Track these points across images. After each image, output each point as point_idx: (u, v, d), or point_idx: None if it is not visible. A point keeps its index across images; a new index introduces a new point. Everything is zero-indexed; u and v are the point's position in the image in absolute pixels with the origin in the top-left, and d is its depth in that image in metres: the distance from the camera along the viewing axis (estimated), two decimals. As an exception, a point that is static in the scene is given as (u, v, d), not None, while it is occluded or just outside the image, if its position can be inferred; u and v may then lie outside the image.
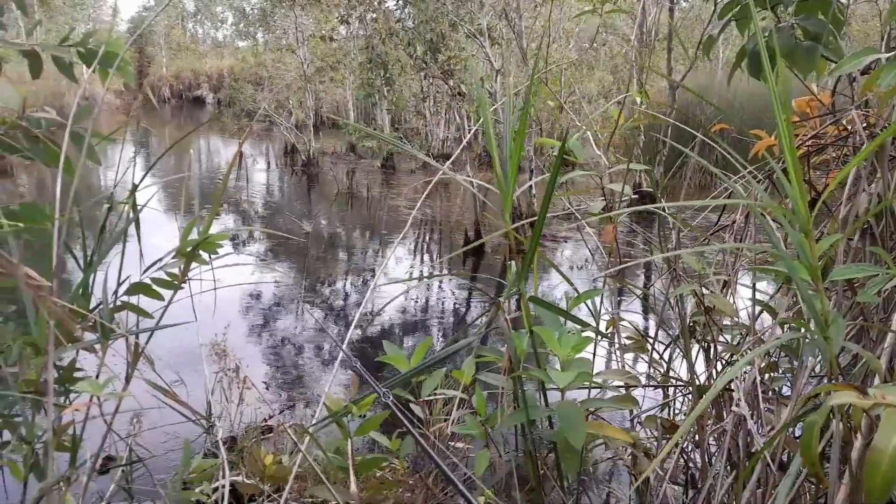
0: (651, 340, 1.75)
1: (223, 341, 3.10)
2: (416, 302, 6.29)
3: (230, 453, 2.73)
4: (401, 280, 5.88)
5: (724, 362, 1.57)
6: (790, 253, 1.08)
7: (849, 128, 1.87)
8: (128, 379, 1.54)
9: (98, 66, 1.51)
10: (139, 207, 1.68)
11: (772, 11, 2.08)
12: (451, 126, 14.28)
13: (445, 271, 7.68)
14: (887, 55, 1.29)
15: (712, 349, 1.62)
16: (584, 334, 1.35)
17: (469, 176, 8.91)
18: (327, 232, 9.36)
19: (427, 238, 9.28)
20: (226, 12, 36.11)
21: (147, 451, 2.77)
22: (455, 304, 6.42)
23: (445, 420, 1.88)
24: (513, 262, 1.37)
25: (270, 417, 3.40)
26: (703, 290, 1.51)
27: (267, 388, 3.70)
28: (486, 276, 6.37)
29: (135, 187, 1.57)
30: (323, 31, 14.37)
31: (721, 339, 1.70)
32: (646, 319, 4.12)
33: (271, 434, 3.16)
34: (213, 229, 1.71)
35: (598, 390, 1.39)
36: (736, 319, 1.52)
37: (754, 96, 11.18)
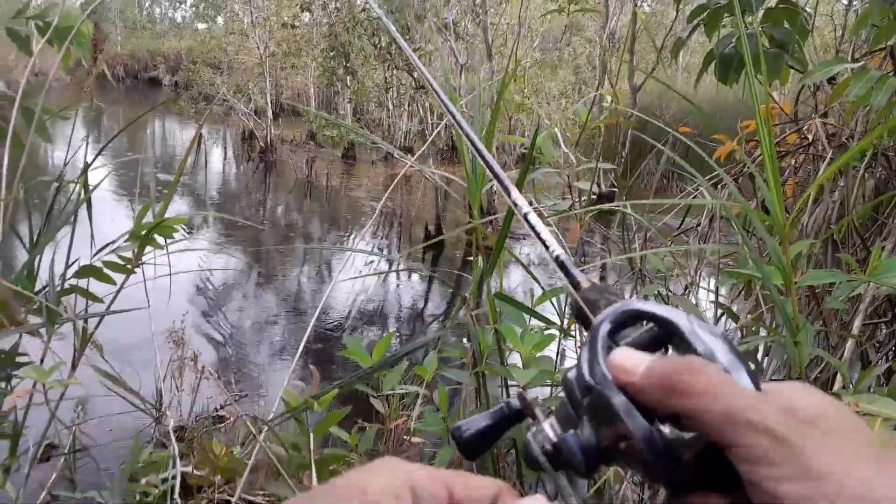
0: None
1: (177, 329, 3.01)
2: (375, 295, 6.24)
3: (179, 444, 2.65)
4: (363, 276, 5.83)
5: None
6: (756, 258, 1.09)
7: (809, 137, 1.91)
8: (74, 365, 1.48)
9: (55, 40, 1.43)
10: (91, 188, 1.61)
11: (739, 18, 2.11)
12: (413, 118, 14.21)
13: (404, 265, 7.64)
14: (854, 66, 1.31)
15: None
16: (546, 332, 1.34)
17: (431, 170, 8.89)
18: (284, 222, 9.22)
19: (387, 231, 9.22)
20: (184, -8, 35.19)
21: (91, 441, 2.68)
22: (413, 298, 6.39)
23: (405, 416, 1.86)
24: (479, 258, 1.36)
25: (222, 407, 3.33)
26: (666, 291, 1.51)
27: (219, 378, 3.62)
28: (450, 271, 6.36)
29: (87, 166, 1.50)
30: (284, 18, 14.13)
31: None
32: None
33: (222, 425, 3.09)
34: (167, 214, 1.65)
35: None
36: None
37: (708, 102, 11.41)
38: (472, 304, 1.32)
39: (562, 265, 0.46)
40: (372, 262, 6.55)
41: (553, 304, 1.38)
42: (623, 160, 4.17)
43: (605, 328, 0.38)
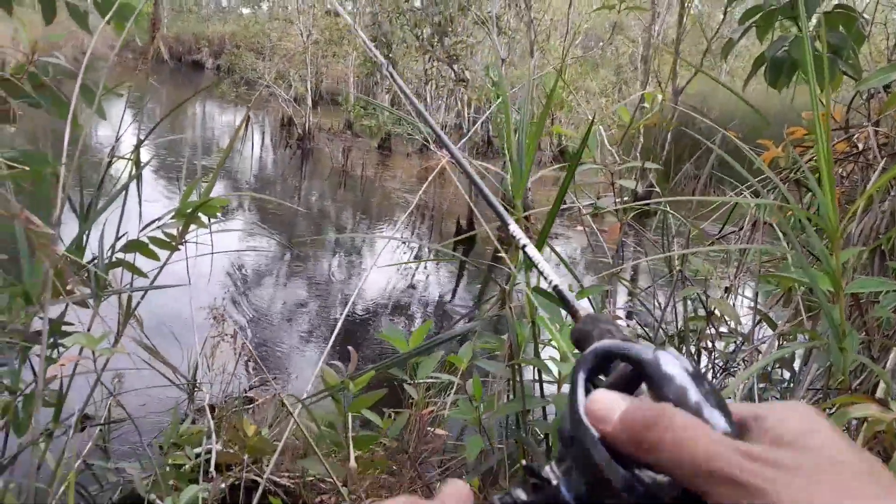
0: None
1: (217, 307, 3.07)
2: (404, 285, 6.27)
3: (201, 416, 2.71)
4: (397, 264, 5.86)
5: (718, 368, 1.57)
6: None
7: (859, 146, 1.87)
8: (118, 336, 1.52)
9: (114, 19, 1.47)
10: (141, 164, 1.65)
11: (794, 21, 2.07)
12: (451, 112, 14.21)
13: (432, 250, 7.66)
14: (913, 74, 1.28)
15: (707, 354, 1.62)
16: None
17: (468, 163, 8.85)
18: (318, 208, 9.30)
19: (419, 224, 9.25)
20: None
21: (125, 413, 2.75)
22: (442, 290, 6.41)
23: (433, 404, 1.87)
24: (521, 252, 1.36)
25: (251, 388, 3.38)
26: (706, 295, 1.50)
27: (253, 359, 3.68)
28: (482, 263, 6.36)
29: (139, 143, 1.54)
30: (328, 5, 14.23)
31: (709, 344, 1.70)
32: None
33: (251, 405, 3.14)
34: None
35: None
36: (734, 326, 1.52)
37: (756, 107, 11.18)
38: (510, 296, 1.32)
39: (559, 294, 0.48)
40: (404, 251, 6.59)
41: (590, 301, 1.38)
42: (662, 161, 4.13)
43: (584, 370, 0.38)
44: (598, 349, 0.39)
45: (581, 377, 0.38)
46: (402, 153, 13.48)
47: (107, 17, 1.38)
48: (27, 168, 1.18)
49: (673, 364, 0.35)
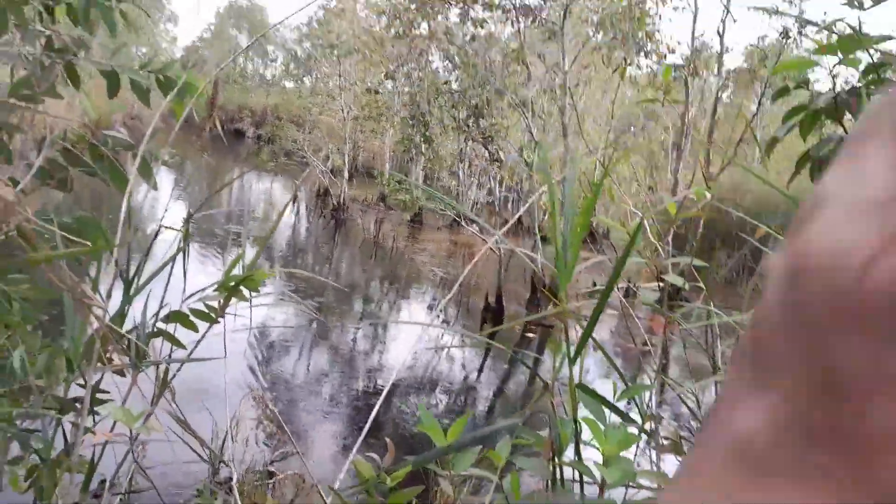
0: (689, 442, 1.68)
1: (246, 377, 3.06)
2: (432, 360, 6.20)
3: (229, 494, 2.64)
4: (428, 347, 5.82)
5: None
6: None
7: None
8: (153, 406, 1.50)
9: (175, 95, 1.53)
10: (189, 237, 1.68)
11: (839, 123, 2.08)
12: (482, 189, 14.42)
13: (460, 333, 7.60)
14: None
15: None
16: (628, 430, 1.29)
17: (497, 241, 8.92)
18: (348, 279, 9.36)
19: (446, 296, 9.23)
20: (277, 52, 37.35)
21: (146, 482, 2.70)
22: (469, 367, 6.32)
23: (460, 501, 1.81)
24: (563, 343, 1.33)
25: (272, 463, 3.32)
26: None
27: (270, 437, 3.63)
28: (529, 352, 6.29)
29: (189, 216, 1.57)
30: (368, 84, 14.74)
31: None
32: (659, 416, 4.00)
33: (271, 480, 3.07)
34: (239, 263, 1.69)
35: (636, 491, 1.33)
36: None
37: (789, 199, 11.15)
38: (551, 391, 1.28)
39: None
40: (432, 326, 6.55)
41: (635, 402, 1.34)
42: (692, 251, 4.09)
43: None
44: None
45: None
46: (433, 226, 13.63)
47: (169, 97, 1.43)
48: (87, 243, 1.20)
49: None
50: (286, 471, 3.02)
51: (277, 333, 6.06)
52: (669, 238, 7.90)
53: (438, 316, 8.07)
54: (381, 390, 5.05)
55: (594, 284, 6.39)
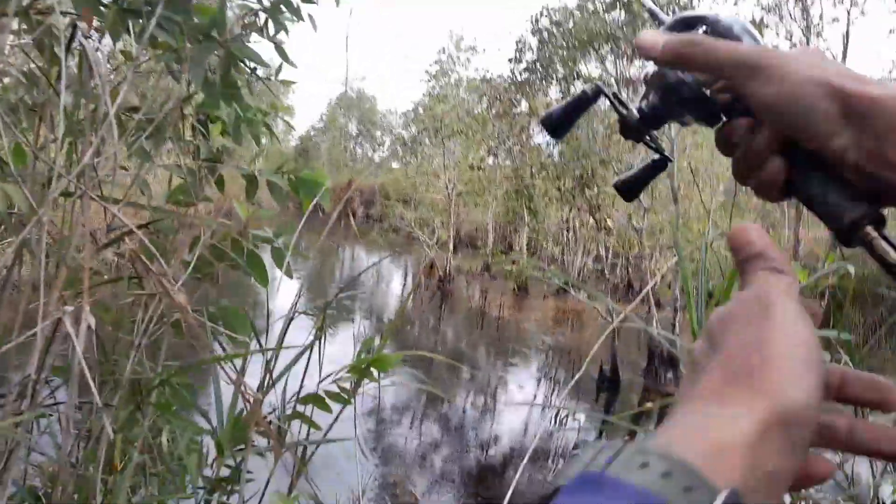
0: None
1: (397, 474, 3.11)
2: (543, 431, 6.08)
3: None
4: (538, 435, 5.74)
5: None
6: None
7: None
8: (290, 489, 1.58)
9: (303, 194, 1.68)
10: (326, 322, 1.78)
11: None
12: (589, 255, 14.26)
13: (572, 402, 7.41)
14: None
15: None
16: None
17: (608, 307, 8.74)
18: (454, 348, 9.40)
19: (556, 365, 9.08)
20: (384, 136, 39.35)
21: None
22: (582, 439, 6.12)
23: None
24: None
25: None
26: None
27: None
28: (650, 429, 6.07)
29: (326, 304, 1.68)
30: (471, 161, 15.17)
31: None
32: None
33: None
34: (344, 334, 1.77)
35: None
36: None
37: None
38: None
39: None
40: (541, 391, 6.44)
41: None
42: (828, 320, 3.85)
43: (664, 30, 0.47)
44: (678, 17, 0.47)
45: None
46: (539, 295, 13.55)
47: (305, 199, 1.57)
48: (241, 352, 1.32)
49: (732, 20, 0.44)
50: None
51: (393, 401, 6.16)
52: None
53: (553, 390, 7.93)
54: (491, 455, 4.99)
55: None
